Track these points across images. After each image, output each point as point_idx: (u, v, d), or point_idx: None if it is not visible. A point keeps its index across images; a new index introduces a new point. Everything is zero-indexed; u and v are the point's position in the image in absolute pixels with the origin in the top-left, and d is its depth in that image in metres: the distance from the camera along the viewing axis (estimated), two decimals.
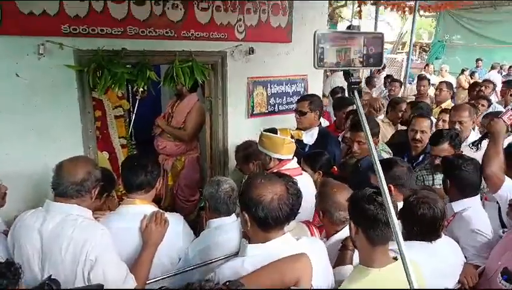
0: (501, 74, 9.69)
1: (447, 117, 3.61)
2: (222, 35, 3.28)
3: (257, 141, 2.49)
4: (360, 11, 11.34)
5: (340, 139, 3.36)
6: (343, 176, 2.40)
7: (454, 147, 2.66)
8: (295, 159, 2.41)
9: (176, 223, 1.96)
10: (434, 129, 3.55)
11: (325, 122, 3.12)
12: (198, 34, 3.13)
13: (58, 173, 1.73)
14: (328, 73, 7.81)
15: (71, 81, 2.67)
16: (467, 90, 6.64)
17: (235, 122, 3.58)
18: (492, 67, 9.95)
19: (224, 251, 1.85)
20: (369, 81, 7.12)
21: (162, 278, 1.79)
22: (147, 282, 1.78)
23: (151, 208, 1.93)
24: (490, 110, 4.53)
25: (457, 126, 3.17)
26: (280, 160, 2.33)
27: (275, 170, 2.28)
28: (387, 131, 3.89)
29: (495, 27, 12.17)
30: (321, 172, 2.60)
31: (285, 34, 3.70)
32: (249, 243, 1.48)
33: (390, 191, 2.06)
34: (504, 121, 2.26)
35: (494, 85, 6.24)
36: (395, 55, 13.81)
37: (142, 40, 2.87)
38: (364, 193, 1.50)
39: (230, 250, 1.87)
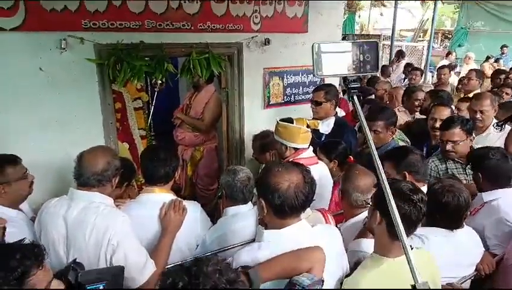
0: None
1: (463, 106, 3.52)
2: (238, 26, 3.28)
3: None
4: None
5: (356, 128, 3.34)
6: (360, 163, 2.39)
7: (466, 132, 2.54)
8: (311, 148, 2.41)
9: (193, 210, 2.01)
10: None
11: (341, 112, 3.08)
12: (214, 26, 3.14)
13: (79, 163, 1.79)
14: None
15: (92, 74, 2.74)
16: (490, 79, 6.43)
17: (251, 112, 3.59)
18: None
19: (241, 237, 1.89)
20: (384, 71, 6.99)
21: (180, 264, 1.84)
22: (166, 267, 1.84)
23: (170, 196, 1.98)
24: None
25: (478, 115, 3.08)
26: (296, 149, 2.33)
27: (290, 159, 2.29)
28: (403, 120, 3.83)
29: None
30: (337, 161, 2.59)
31: (301, 24, 3.67)
32: (266, 229, 1.51)
33: (405, 178, 2.05)
34: None
35: None
36: (415, 43, 13.46)
37: (159, 33, 2.91)
38: (400, 189, 1.46)
39: (246, 237, 1.91)
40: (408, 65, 7.36)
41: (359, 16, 15.75)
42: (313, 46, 1.13)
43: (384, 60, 10.85)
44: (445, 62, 8.20)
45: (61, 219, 1.74)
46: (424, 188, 1.93)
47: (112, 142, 2.92)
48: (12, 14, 2.40)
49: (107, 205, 1.78)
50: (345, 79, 1.22)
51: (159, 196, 1.96)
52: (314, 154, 2.43)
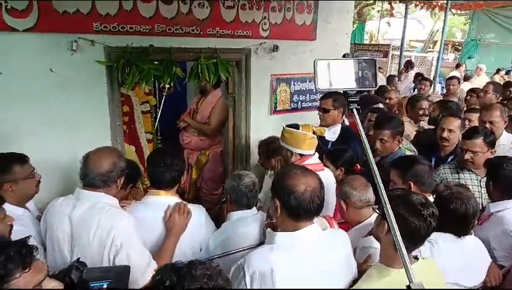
0: None
1: (473, 117, 3.51)
2: (247, 32, 3.32)
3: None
4: (391, 9, 11.13)
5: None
6: (366, 174, 2.39)
7: (489, 145, 2.52)
8: (316, 154, 2.41)
9: (198, 214, 2.02)
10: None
11: (346, 121, 3.09)
12: (223, 32, 3.19)
13: (85, 164, 1.80)
14: None
15: (101, 76, 2.79)
16: None
17: (257, 118, 3.61)
18: None
19: (245, 242, 1.89)
20: (390, 81, 6.96)
21: (174, 263, 1.85)
22: None
23: (175, 199, 1.99)
24: None
25: (488, 126, 3.07)
26: (301, 155, 2.33)
27: None
28: (408, 130, 3.81)
29: None
30: (343, 169, 2.59)
31: (309, 32, 3.70)
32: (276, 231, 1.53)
33: (410, 188, 2.05)
34: None
35: None
36: (425, 54, 13.44)
37: (169, 38, 2.95)
38: (411, 202, 1.45)
39: (250, 242, 1.91)
40: (418, 75, 7.33)
41: (378, 22, 15.78)
42: (314, 62, 1.23)
43: (393, 70, 10.85)
44: (456, 73, 8.17)
45: (66, 218, 1.76)
46: (431, 198, 1.93)
47: (118, 144, 2.96)
48: (25, 16, 2.46)
49: (112, 206, 1.79)
50: (345, 93, 1.28)
51: (164, 199, 1.98)
52: (320, 161, 2.44)
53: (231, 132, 3.74)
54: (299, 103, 3.87)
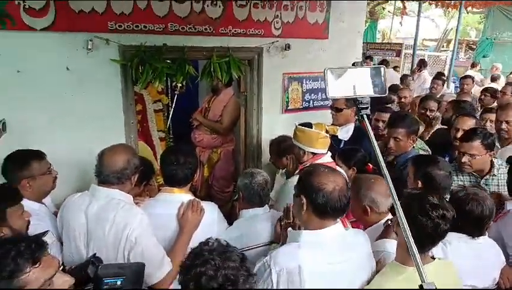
0: None
1: (493, 117, 3.45)
2: (259, 31, 3.32)
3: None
4: (404, 8, 11.01)
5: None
6: (379, 174, 2.38)
7: (486, 147, 2.43)
8: (329, 153, 2.40)
9: (210, 211, 2.03)
10: None
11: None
12: (235, 31, 3.19)
13: (99, 161, 1.83)
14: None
15: (115, 74, 2.82)
16: None
17: (269, 117, 3.61)
18: None
19: (256, 240, 1.90)
20: (403, 80, 6.87)
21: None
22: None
23: (188, 197, 2.01)
24: None
25: (503, 126, 3.02)
26: (314, 154, 2.33)
27: (308, 164, 2.30)
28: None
29: None
30: (355, 168, 2.58)
31: (321, 31, 3.69)
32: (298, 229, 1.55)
33: (417, 186, 2.08)
34: None
35: None
36: (438, 53, 13.26)
37: (182, 36, 2.97)
38: (422, 201, 1.48)
39: (262, 240, 1.92)
40: (440, 74, 7.19)
41: (387, 21, 15.61)
42: (325, 70, 1.28)
43: (405, 69, 10.73)
44: (471, 73, 8.03)
45: (82, 214, 1.80)
46: None
47: (132, 141, 2.99)
48: (43, 15, 2.50)
49: (126, 202, 1.82)
50: (355, 100, 1.32)
51: (178, 196, 1.99)
52: (332, 160, 2.43)
53: (243, 130, 3.75)
54: (311, 101, 3.85)
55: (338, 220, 1.50)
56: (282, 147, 2.96)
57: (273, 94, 3.60)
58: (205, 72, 3.12)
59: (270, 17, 3.35)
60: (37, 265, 1.15)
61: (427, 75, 7.94)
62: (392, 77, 7.54)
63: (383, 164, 1.21)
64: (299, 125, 2.40)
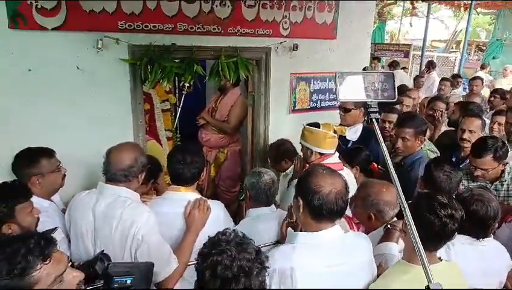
0: None
1: (502, 120, 3.41)
2: (267, 31, 3.31)
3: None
4: (413, 9, 10.92)
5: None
6: (386, 173, 2.36)
7: (498, 160, 2.39)
8: (337, 154, 2.39)
9: (217, 210, 2.03)
10: (487, 132, 3.36)
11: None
12: (244, 31, 3.19)
13: (107, 159, 1.84)
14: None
15: (125, 73, 2.83)
16: None
17: (276, 117, 3.60)
18: None
19: (263, 239, 1.89)
20: (416, 81, 6.79)
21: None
22: (188, 264, 1.86)
23: (195, 195, 2.01)
24: None
25: None
26: (321, 154, 2.32)
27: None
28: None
29: None
30: (358, 167, 2.57)
31: (330, 31, 3.67)
32: (298, 231, 1.53)
33: (420, 186, 2.05)
34: None
35: None
36: (447, 54, 13.13)
37: (190, 36, 2.97)
38: (431, 200, 1.48)
39: (269, 239, 1.91)
40: (456, 76, 7.11)
41: (396, 23, 15.51)
42: (335, 74, 1.30)
43: (414, 71, 10.65)
44: (481, 74, 7.94)
45: (89, 211, 1.81)
46: None
47: (140, 140, 3.00)
48: (54, 14, 2.52)
49: (133, 200, 1.83)
50: (365, 104, 1.34)
51: (185, 195, 1.99)
52: (340, 161, 2.42)
53: (250, 130, 3.75)
54: (319, 102, 3.84)
55: (336, 222, 1.48)
56: (280, 150, 2.96)
57: (281, 94, 3.59)
58: (213, 71, 3.13)
59: (279, 17, 3.34)
60: (47, 262, 1.15)
61: (435, 77, 7.87)
62: (402, 78, 7.48)
63: (391, 166, 1.21)
64: (306, 125, 2.39)
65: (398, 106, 4.04)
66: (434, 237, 1.44)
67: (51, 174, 2.06)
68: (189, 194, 2.00)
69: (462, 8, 9.11)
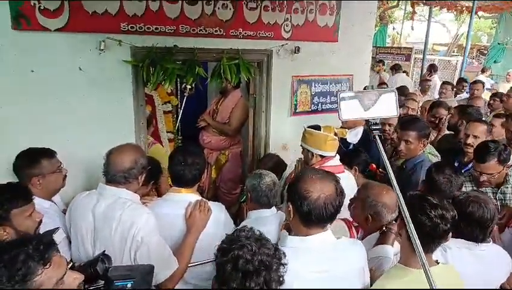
0: None
1: (497, 123, 3.40)
2: (269, 34, 3.32)
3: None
4: (413, 13, 10.93)
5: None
6: (386, 177, 2.36)
7: (502, 163, 2.39)
8: (337, 156, 2.39)
9: (218, 211, 2.02)
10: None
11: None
12: (246, 33, 3.19)
13: (107, 161, 1.84)
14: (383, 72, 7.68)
15: (127, 75, 2.84)
16: None
17: (277, 119, 3.60)
18: None
19: None
20: (422, 86, 6.69)
21: (203, 263, 1.87)
22: (189, 265, 1.86)
23: (196, 197, 2.01)
24: None
25: None
26: (322, 157, 2.32)
27: (316, 167, 2.29)
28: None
29: None
30: (357, 168, 2.57)
31: (331, 34, 3.67)
32: (290, 234, 1.51)
33: (419, 190, 2.05)
34: None
35: None
36: (449, 57, 13.13)
37: (192, 38, 2.98)
38: (422, 201, 1.48)
39: None
40: (461, 80, 7.07)
41: (393, 28, 15.55)
42: (337, 94, 1.37)
43: (415, 74, 10.64)
44: (482, 78, 7.94)
45: (89, 213, 1.80)
46: None
47: (142, 141, 3.01)
48: (57, 16, 2.53)
49: (133, 202, 1.82)
50: (367, 121, 1.38)
51: (185, 196, 1.99)
52: (341, 163, 2.41)
53: (251, 132, 3.75)
54: (320, 104, 3.84)
55: (328, 227, 1.46)
56: (273, 164, 2.96)
57: (282, 96, 3.59)
58: (215, 73, 3.13)
59: (280, 20, 3.34)
60: (47, 266, 1.14)
61: (437, 80, 7.87)
62: (404, 81, 7.48)
63: (390, 171, 1.21)
64: (307, 127, 2.39)
65: (401, 109, 4.04)
66: (426, 237, 1.43)
67: (52, 175, 2.06)
68: (190, 196, 2.00)
69: (463, 12, 9.11)
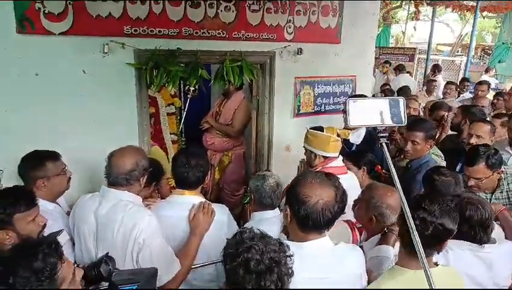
0: None
1: (497, 123, 3.37)
2: (271, 36, 3.32)
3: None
4: (417, 13, 10.90)
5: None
6: (390, 178, 2.35)
7: (491, 168, 2.31)
8: (340, 157, 2.38)
9: (221, 213, 2.02)
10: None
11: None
12: (248, 35, 3.20)
13: (109, 163, 1.85)
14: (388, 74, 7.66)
15: (130, 78, 2.85)
16: None
17: (280, 121, 3.60)
18: None
19: None
20: (428, 86, 6.60)
21: (206, 264, 1.87)
22: (192, 267, 1.86)
23: (199, 199, 2.00)
24: None
25: None
26: (325, 158, 2.31)
27: (319, 168, 2.28)
28: None
29: None
30: (365, 168, 2.56)
31: (334, 35, 3.67)
32: (288, 238, 1.51)
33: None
34: None
35: None
36: (453, 57, 13.07)
37: (195, 41, 2.99)
38: (410, 201, 1.45)
39: None
40: (464, 80, 7.02)
41: (401, 28, 15.50)
42: (346, 101, 1.39)
43: (419, 74, 10.60)
44: (486, 78, 7.89)
45: (92, 215, 1.81)
46: None
47: (145, 143, 3.02)
48: (62, 19, 2.54)
49: (135, 204, 1.83)
50: (375, 129, 1.40)
51: (189, 198, 1.99)
52: (343, 164, 2.41)
53: (254, 133, 3.75)
54: (323, 105, 3.83)
55: (325, 233, 1.44)
56: None
57: (285, 98, 3.59)
58: (218, 75, 3.14)
59: (283, 21, 3.35)
60: (63, 262, 1.22)
61: (441, 80, 7.83)
62: (408, 82, 7.45)
63: (394, 173, 1.23)
64: (310, 129, 2.38)
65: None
66: (426, 241, 1.38)
67: (56, 177, 2.06)
68: (193, 198, 2.00)
69: (467, 12, 9.07)
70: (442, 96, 5.89)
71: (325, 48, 3.65)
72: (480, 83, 5.77)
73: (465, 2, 8.67)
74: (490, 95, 5.91)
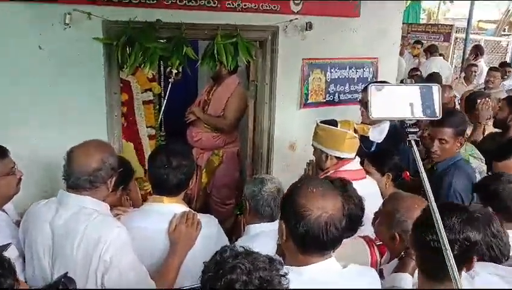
0: None
1: None
2: (274, 7, 3.32)
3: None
4: None
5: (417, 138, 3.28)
6: (417, 184, 2.35)
7: None
8: (357, 159, 2.38)
9: (208, 225, 2.01)
10: None
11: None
12: (245, 5, 3.20)
13: (68, 161, 1.83)
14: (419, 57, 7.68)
15: (98, 56, 2.84)
16: None
17: (283, 112, 3.62)
18: None
19: None
20: (466, 73, 6.61)
21: (190, 288, 1.86)
22: None
23: (181, 208, 1.99)
24: None
25: None
26: (339, 159, 2.32)
27: (331, 171, 2.28)
28: None
29: None
30: (390, 175, 2.56)
31: (352, 7, 3.68)
32: (283, 261, 1.49)
33: None
34: None
35: None
36: (498, 38, 13.09)
37: (179, 11, 2.99)
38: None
39: None
40: (504, 64, 6.99)
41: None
42: (368, 87, 1.38)
43: (456, 58, 10.61)
44: None
45: (47, 226, 1.80)
46: None
47: (115, 138, 3.02)
48: None
49: (101, 213, 1.82)
50: (402, 122, 1.38)
51: (169, 207, 1.98)
52: (361, 167, 2.41)
53: (251, 128, 3.76)
54: (336, 94, 3.85)
55: (331, 254, 1.41)
56: None
57: (290, 84, 3.60)
58: (207, 55, 3.14)
59: None
60: (19, 282, 1.22)
61: (483, 65, 7.85)
62: (441, 67, 7.46)
63: (426, 182, 1.22)
64: (320, 122, 2.38)
65: None
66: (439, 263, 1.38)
67: (4, 178, 2.04)
68: (174, 206, 1.99)
69: None
70: (484, 86, 5.89)
71: (341, 22, 3.66)
72: None
73: None
74: None
